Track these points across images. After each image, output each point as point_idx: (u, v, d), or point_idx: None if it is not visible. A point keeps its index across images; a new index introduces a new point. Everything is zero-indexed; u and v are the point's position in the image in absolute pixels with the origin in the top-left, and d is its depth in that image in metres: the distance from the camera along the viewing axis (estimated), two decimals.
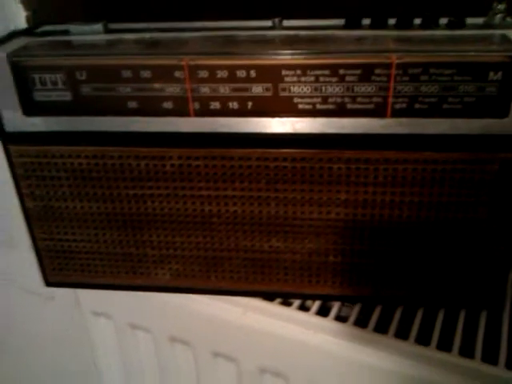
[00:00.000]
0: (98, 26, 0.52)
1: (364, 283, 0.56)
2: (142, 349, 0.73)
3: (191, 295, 0.62)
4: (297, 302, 0.60)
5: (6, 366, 0.97)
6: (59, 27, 0.55)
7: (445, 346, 0.53)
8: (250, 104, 0.47)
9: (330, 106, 0.47)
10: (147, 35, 0.52)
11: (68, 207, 0.56)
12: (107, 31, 0.53)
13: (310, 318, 0.58)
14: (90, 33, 0.52)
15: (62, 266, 0.60)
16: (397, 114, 0.46)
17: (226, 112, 0.48)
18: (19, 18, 0.71)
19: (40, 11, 0.63)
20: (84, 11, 0.64)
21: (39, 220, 0.57)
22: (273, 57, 0.46)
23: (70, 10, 0.65)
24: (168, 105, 0.48)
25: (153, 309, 0.66)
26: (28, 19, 0.58)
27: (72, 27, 0.53)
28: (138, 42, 0.51)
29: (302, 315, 0.58)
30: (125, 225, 0.56)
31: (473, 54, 0.44)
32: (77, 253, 0.59)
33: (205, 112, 0.48)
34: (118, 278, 0.60)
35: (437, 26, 0.49)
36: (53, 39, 0.53)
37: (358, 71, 0.45)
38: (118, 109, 0.49)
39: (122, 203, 0.55)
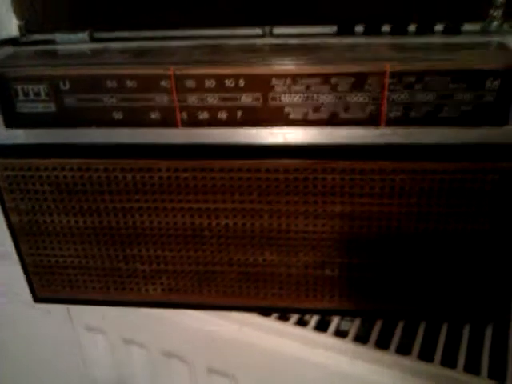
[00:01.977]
0: (84, 35, 0.51)
1: (363, 297, 0.54)
2: (137, 364, 0.71)
3: (186, 310, 0.60)
4: (294, 317, 0.59)
5: (2, 377, 0.96)
6: (45, 36, 0.54)
7: (449, 361, 0.51)
8: (239, 114, 0.46)
9: (323, 116, 0.45)
10: (133, 44, 0.51)
11: (54, 221, 0.55)
12: (93, 40, 0.52)
13: (307, 333, 0.57)
14: (75, 42, 0.52)
15: (51, 282, 0.59)
16: (392, 123, 0.45)
17: (214, 122, 0.47)
18: (12, 27, 0.70)
19: (32, 21, 0.62)
20: (72, 20, 0.63)
21: (25, 235, 0.56)
22: (262, 65, 0.44)
23: (59, 19, 0.64)
24: (155, 115, 0.47)
25: (147, 324, 0.65)
26: (20, 29, 0.57)
27: (58, 36, 0.52)
28: (123, 52, 0.50)
29: (299, 330, 0.57)
30: (113, 239, 0.55)
31: (469, 61, 0.42)
32: (64, 268, 0.58)
33: (193, 122, 0.47)
34: (108, 294, 0.59)
35: (432, 33, 0.47)
36: (37, 49, 0.52)
37: (351, 80, 0.43)
38: (104, 120, 0.48)
39: (109, 217, 0.53)
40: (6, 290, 0.83)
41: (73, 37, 0.51)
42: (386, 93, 0.43)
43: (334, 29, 0.49)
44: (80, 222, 0.54)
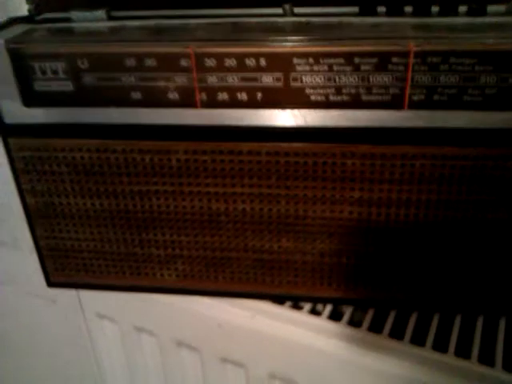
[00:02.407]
0: (101, 13, 0.51)
1: (378, 286, 0.54)
2: (148, 353, 0.71)
3: (198, 298, 0.60)
4: (308, 306, 0.58)
5: (7, 368, 0.96)
6: (61, 14, 0.53)
7: (463, 352, 0.51)
8: (259, 95, 0.45)
9: (344, 98, 0.44)
10: (152, 22, 0.50)
11: (70, 203, 0.54)
12: (110, 18, 0.51)
13: (321, 322, 0.56)
14: (92, 20, 0.51)
15: (65, 266, 0.59)
16: (415, 106, 0.44)
17: (234, 103, 0.46)
18: (22, 12, 0.70)
19: (43, 3, 0.61)
20: (85, 0, 0.62)
21: (40, 217, 0.56)
22: (284, 44, 0.43)
23: (72, 1, 0.63)
24: (174, 96, 0.46)
25: (158, 311, 0.64)
26: (31, 12, 0.56)
27: (74, 14, 0.51)
28: (142, 30, 0.49)
29: (313, 319, 0.57)
30: (129, 223, 0.54)
31: (495, 42, 0.41)
32: (79, 252, 0.57)
33: (212, 103, 0.46)
34: (123, 279, 0.58)
35: (456, 14, 0.46)
36: (54, 26, 0.51)
37: (374, 60, 0.43)
38: (122, 100, 0.47)
39: (125, 200, 0.53)
40: (10, 279, 0.83)
41: (89, 14, 0.51)
42: (410, 74, 0.42)
43: (355, 9, 0.49)
44: (96, 204, 0.54)
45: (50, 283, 0.60)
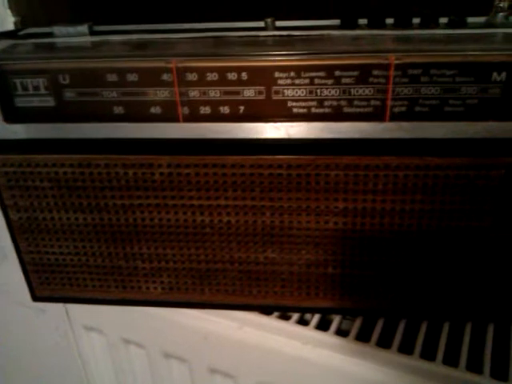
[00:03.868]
0: (83, 28, 0.51)
1: (365, 295, 0.54)
2: (136, 365, 0.71)
3: (185, 309, 0.60)
4: (295, 316, 0.58)
5: None
6: (43, 29, 0.53)
7: (451, 360, 0.51)
8: (241, 108, 0.45)
9: (326, 110, 0.45)
10: (134, 37, 0.50)
11: (53, 218, 0.54)
12: (92, 33, 0.51)
13: (309, 332, 0.56)
14: (74, 35, 0.51)
15: (50, 280, 0.58)
16: (396, 117, 0.44)
17: (216, 117, 0.46)
18: (8, 24, 0.70)
19: (28, 16, 0.61)
20: (72, 14, 0.62)
21: (24, 232, 0.55)
22: (265, 58, 0.44)
23: (58, 14, 0.63)
24: (156, 110, 0.46)
25: (146, 323, 0.64)
26: (16, 25, 0.56)
27: (56, 29, 0.51)
28: (124, 44, 0.49)
29: (300, 329, 0.56)
30: (113, 237, 0.54)
31: (475, 53, 0.42)
32: (64, 266, 0.57)
33: (194, 117, 0.46)
34: (108, 293, 0.58)
35: (437, 26, 0.47)
36: (36, 42, 0.51)
37: (355, 73, 0.43)
38: (104, 114, 0.47)
39: (109, 214, 0.53)
40: None
41: (72, 30, 0.51)
42: (391, 86, 0.43)
43: (337, 22, 0.49)
44: (80, 219, 0.53)
45: (36, 297, 0.60)
